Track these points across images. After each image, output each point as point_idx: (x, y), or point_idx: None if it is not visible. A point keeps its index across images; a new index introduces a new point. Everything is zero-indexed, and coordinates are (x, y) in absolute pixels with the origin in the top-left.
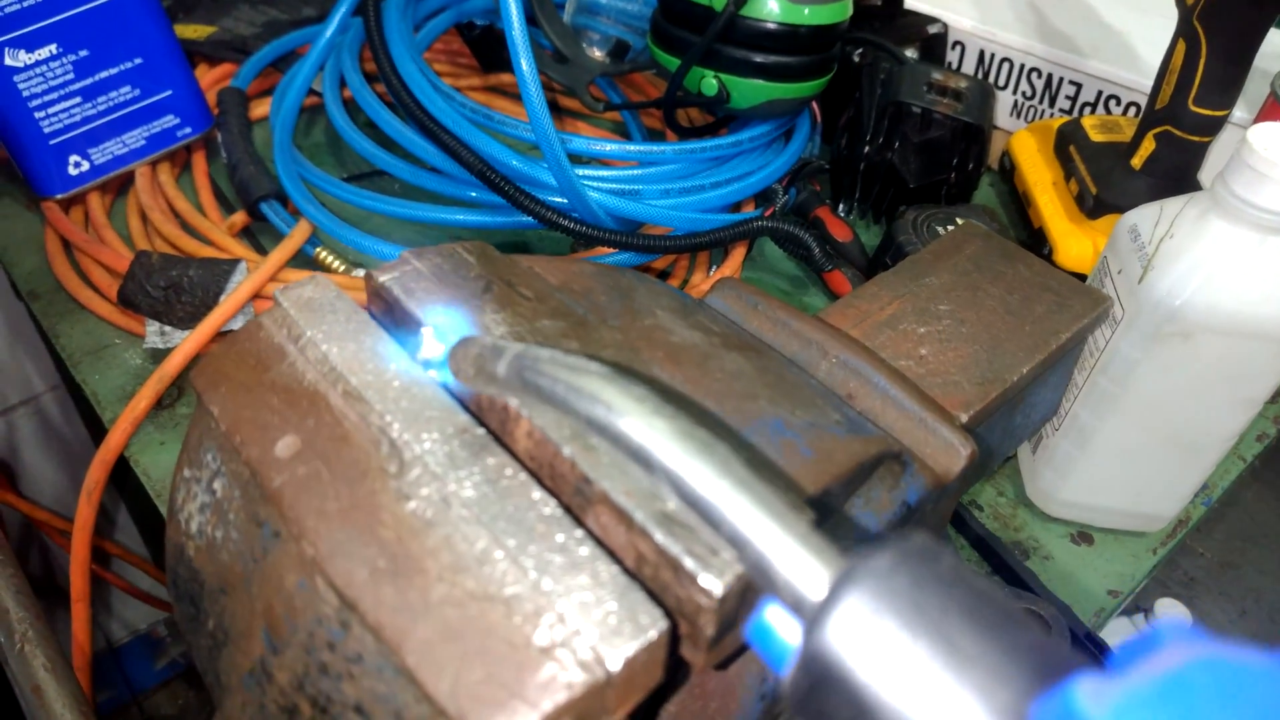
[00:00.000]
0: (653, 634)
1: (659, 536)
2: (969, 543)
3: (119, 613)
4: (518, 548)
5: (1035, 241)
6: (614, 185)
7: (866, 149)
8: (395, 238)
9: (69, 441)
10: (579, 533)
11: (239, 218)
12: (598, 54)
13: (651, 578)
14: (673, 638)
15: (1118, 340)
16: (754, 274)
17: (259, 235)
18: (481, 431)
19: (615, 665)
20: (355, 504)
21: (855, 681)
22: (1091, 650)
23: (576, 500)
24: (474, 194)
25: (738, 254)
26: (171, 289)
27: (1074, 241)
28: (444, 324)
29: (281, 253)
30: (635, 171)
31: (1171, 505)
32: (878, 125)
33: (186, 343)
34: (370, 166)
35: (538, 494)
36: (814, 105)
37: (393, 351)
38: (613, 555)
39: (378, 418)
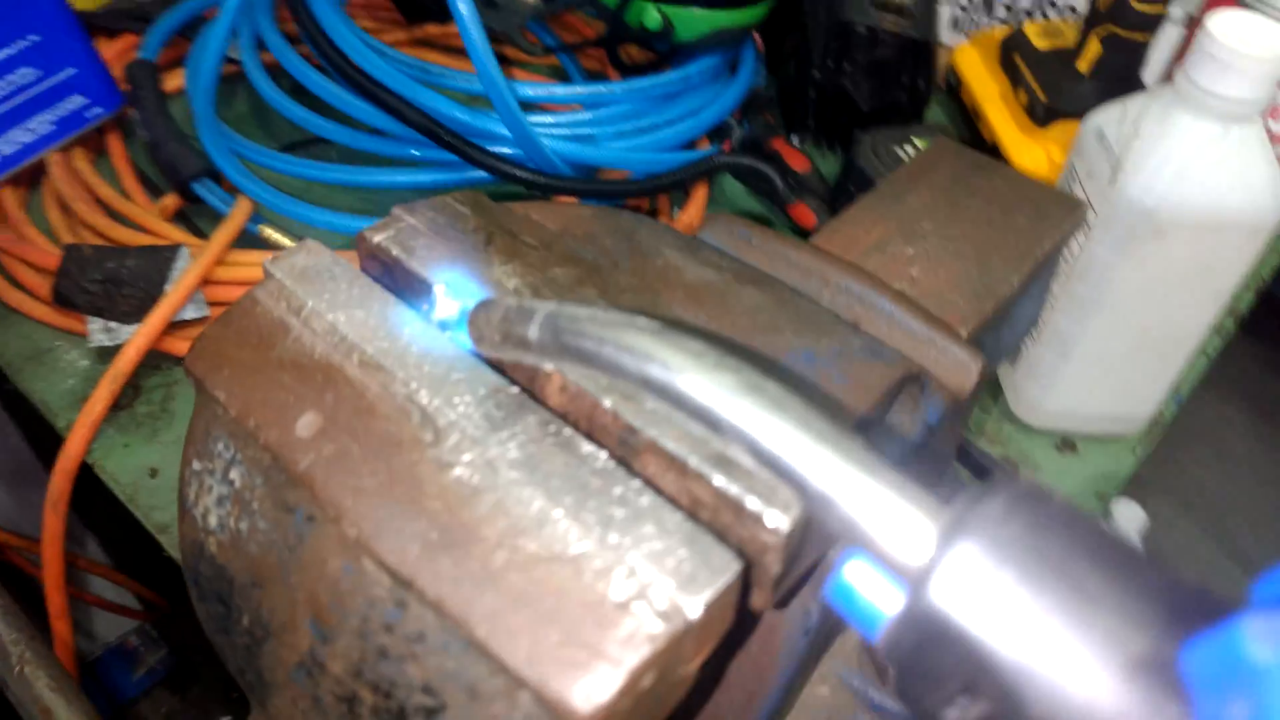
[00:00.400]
0: (729, 576)
1: (718, 479)
2: (959, 462)
3: (86, 627)
4: (576, 504)
5: (989, 155)
6: (567, 131)
7: (816, 74)
8: (341, 206)
9: (6, 454)
10: (636, 483)
11: (170, 200)
12: None
13: (710, 521)
14: (744, 580)
15: (1093, 245)
16: (718, 213)
17: (194, 218)
18: (515, 390)
19: (695, 612)
20: (394, 478)
21: (975, 639)
22: None
23: (621, 452)
24: (416, 152)
25: (700, 193)
26: (110, 282)
27: (1027, 151)
28: (455, 281)
29: (225, 234)
30: (587, 115)
31: (1148, 405)
32: (825, 48)
33: (137, 337)
34: (304, 135)
35: (587, 448)
36: (755, 34)
37: (404, 315)
38: (673, 502)
39: (402, 386)
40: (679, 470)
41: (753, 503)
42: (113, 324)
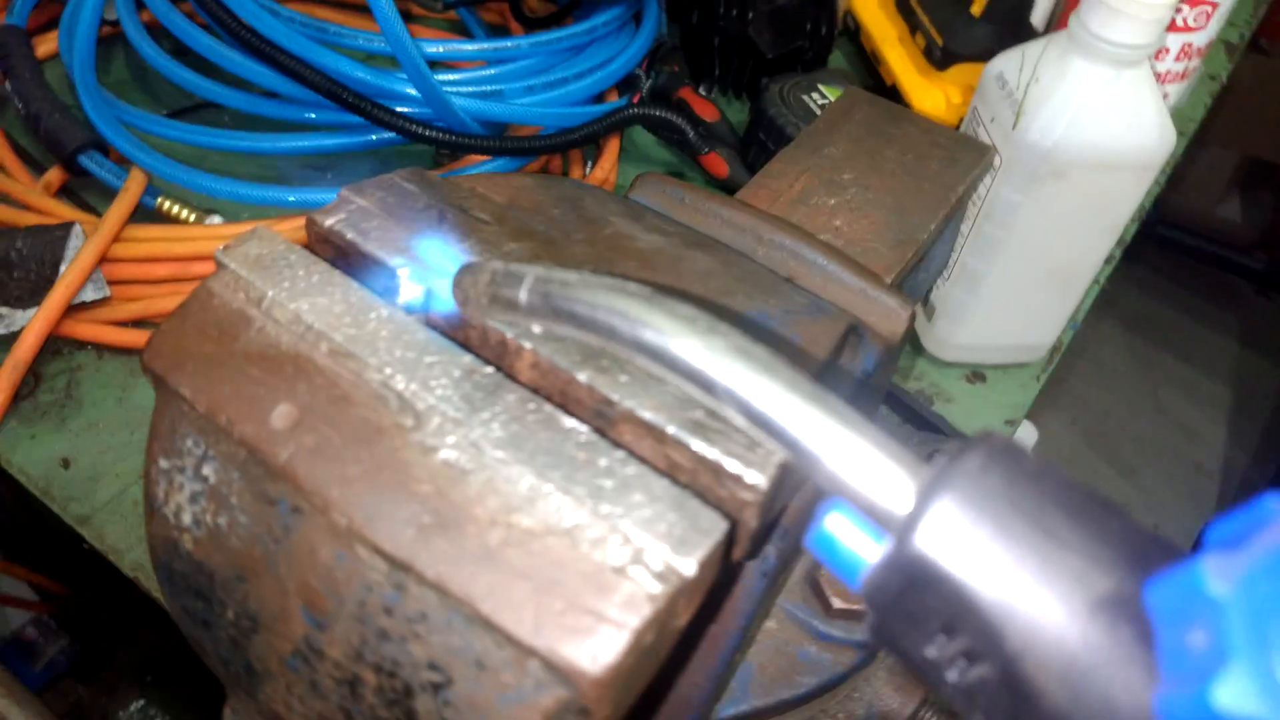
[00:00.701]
0: (718, 536)
1: (696, 444)
2: (885, 404)
3: None
4: (565, 478)
5: (890, 99)
6: (474, 88)
7: (721, 23)
8: (240, 174)
9: None
10: (620, 454)
11: (54, 175)
12: None
13: (689, 484)
14: (729, 537)
15: (998, 186)
16: (629, 167)
17: (82, 192)
18: (490, 370)
19: (690, 571)
20: (379, 465)
21: (958, 581)
22: None
23: (597, 423)
24: (313, 115)
25: (612, 147)
26: None
27: (927, 94)
28: (416, 263)
29: (120, 208)
30: (493, 71)
31: (1049, 334)
32: None
33: (35, 322)
34: (190, 99)
35: (568, 422)
36: None
37: (368, 300)
38: (655, 468)
39: (375, 372)
40: (656, 437)
41: (732, 464)
42: (4, 310)
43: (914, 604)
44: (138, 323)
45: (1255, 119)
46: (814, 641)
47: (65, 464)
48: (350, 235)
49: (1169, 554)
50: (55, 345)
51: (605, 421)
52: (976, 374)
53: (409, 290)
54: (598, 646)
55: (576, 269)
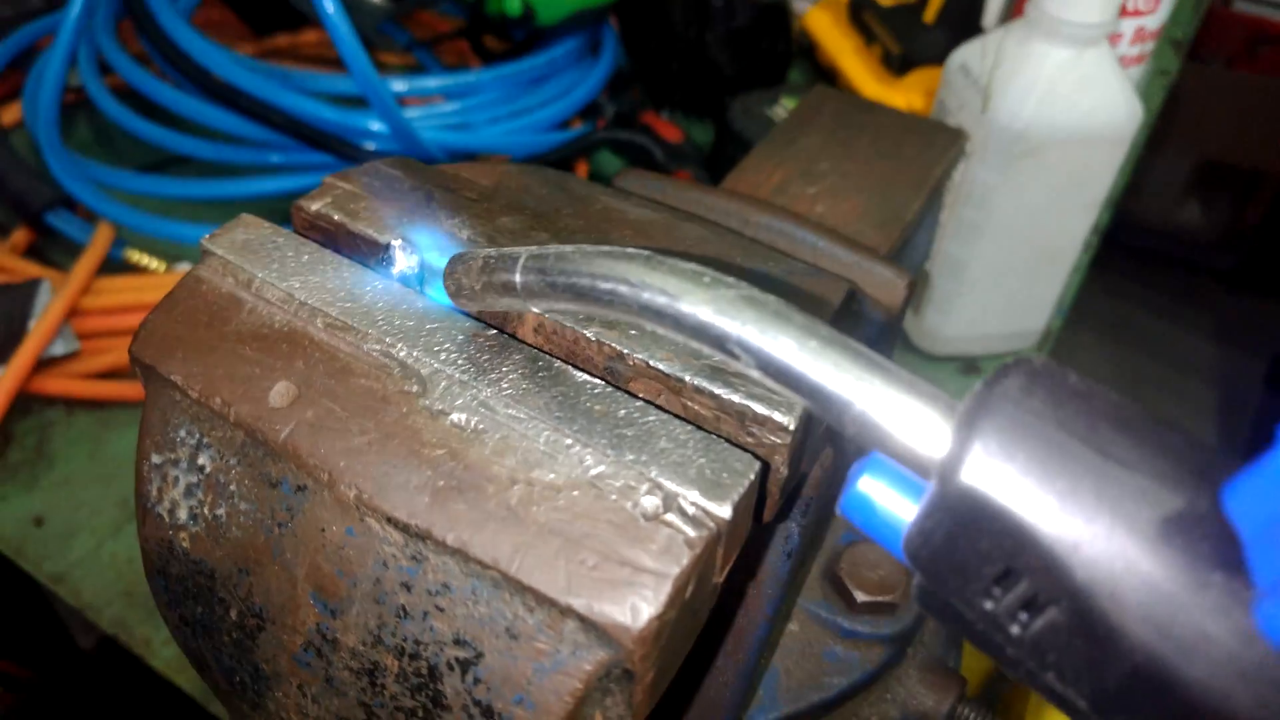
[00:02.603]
0: (752, 476)
1: (719, 390)
2: None
3: None
4: (584, 430)
5: None
6: (442, 122)
7: (679, 46)
8: (207, 220)
9: None
10: (638, 403)
11: (21, 236)
12: None
13: (713, 432)
14: (760, 485)
15: (974, 170)
16: (625, 169)
17: (49, 252)
18: (493, 332)
19: (725, 513)
20: (386, 433)
21: (1010, 515)
22: None
23: (610, 380)
24: (276, 158)
25: (581, 171)
26: None
27: (887, 101)
28: (409, 235)
29: (89, 260)
30: (457, 105)
31: (1038, 319)
32: (685, 22)
33: (4, 380)
34: (155, 157)
35: (580, 376)
36: (612, 16)
37: (361, 274)
38: (678, 416)
39: (375, 342)
40: (672, 389)
41: (759, 407)
42: None
43: (964, 551)
44: (108, 374)
45: (1204, 122)
46: (839, 640)
47: (38, 522)
48: (338, 216)
49: (1239, 464)
50: (25, 403)
51: (617, 378)
52: (971, 366)
53: (404, 261)
54: (637, 599)
55: (571, 238)
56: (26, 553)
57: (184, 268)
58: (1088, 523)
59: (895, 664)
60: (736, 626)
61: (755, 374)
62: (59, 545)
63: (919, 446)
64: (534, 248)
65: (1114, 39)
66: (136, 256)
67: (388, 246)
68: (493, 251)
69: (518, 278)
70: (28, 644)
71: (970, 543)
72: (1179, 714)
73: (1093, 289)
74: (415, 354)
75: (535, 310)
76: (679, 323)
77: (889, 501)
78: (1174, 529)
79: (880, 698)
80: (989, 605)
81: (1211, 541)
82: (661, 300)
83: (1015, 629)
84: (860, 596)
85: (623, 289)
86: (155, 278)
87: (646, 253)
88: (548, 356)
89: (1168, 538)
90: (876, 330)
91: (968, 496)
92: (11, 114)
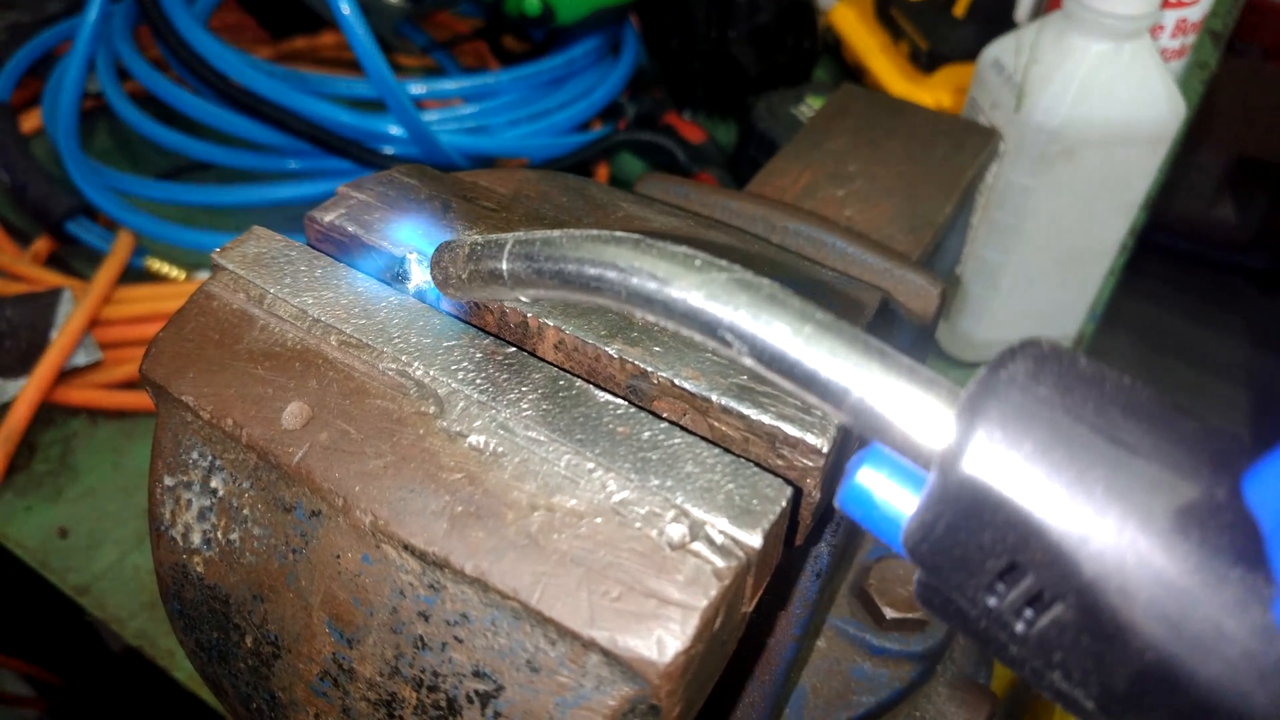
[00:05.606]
0: (783, 502)
1: (747, 411)
2: None
3: None
4: (606, 453)
5: None
6: (459, 124)
7: (701, 45)
8: (227, 228)
9: None
10: (662, 424)
11: (42, 244)
12: None
13: (741, 456)
14: (792, 510)
15: (1007, 172)
16: (647, 174)
17: (70, 260)
18: (512, 349)
19: (756, 542)
20: (402, 457)
21: (1013, 506)
22: None
23: (633, 399)
24: (294, 164)
25: (601, 174)
26: None
27: (915, 99)
28: (425, 248)
29: (109, 270)
30: (476, 107)
31: (1072, 324)
32: (708, 20)
33: (26, 391)
34: (174, 164)
35: (602, 396)
36: (633, 16)
37: (376, 289)
38: (704, 439)
39: (391, 361)
40: (699, 409)
41: (791, 428)
42: None
43: (967, 544)
44: (131, 384)
45: (1239, 118)
46: (868, 657)
47: (63, 533)
48: (352, 228)
49: (1259, 451)
50: (48, 414)
51: (642, 397)
52: None
53: (419, 276)
54: (664, 632)
55: None
56: (51, 564)
57: (204, 276)
58: (1097, 514)
59: (924, 681)
60: (763, 649)
61: (749, 362)
62: (83, 557)
63: (919, 435)
64: (520, 233)
65: (1155, 32)
66: (157, 265)
67: (403, 260)
68: (479, 238)
69: (504, 265)
70: (58, 647)
71: (973, 535)
72: (1192, 715)
73: (1125, 292)
74: (432, 373)
75: (524, 299)
76: (669, 309)
77: (889, 494)
78: (1189, 520)
79: (909, 716)
80: (992, 601)
81: (1229, 533)
82: (651, 285)
83: (1019, 626)
84: (890, 613)
85: (610, 274)
86: (176, 286)
87: (636, 236)
88: (568, 375)
89: (1183, 530)
90: (910, 340)
91: (970, 487)
92: (32, 121)
